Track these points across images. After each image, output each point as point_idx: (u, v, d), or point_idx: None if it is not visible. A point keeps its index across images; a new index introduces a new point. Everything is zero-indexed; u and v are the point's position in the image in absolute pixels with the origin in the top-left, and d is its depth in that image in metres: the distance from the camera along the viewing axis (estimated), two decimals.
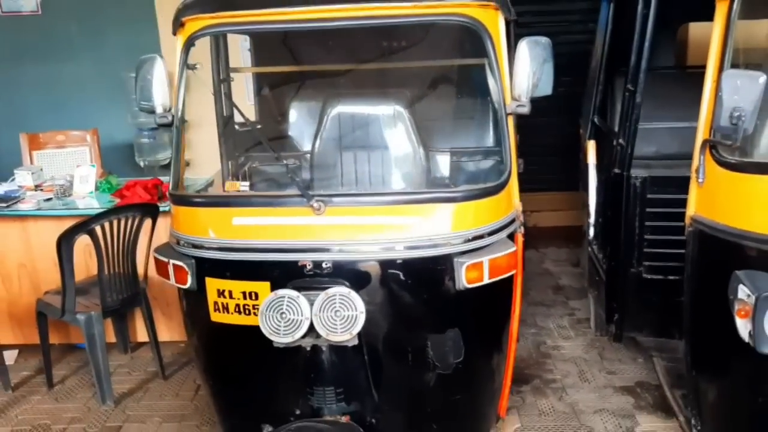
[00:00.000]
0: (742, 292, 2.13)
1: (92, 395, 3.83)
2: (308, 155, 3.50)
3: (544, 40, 2.56)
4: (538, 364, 4.01)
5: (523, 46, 2.52)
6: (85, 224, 3.49)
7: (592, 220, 3.95)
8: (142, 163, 5.77)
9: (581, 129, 4.54)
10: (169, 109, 2.74)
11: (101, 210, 3.81)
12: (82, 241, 3.51)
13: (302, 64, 3.79)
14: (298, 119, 3.89)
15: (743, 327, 2.15)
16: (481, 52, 2.65)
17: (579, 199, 5.34)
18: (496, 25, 2.61)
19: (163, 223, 3.96)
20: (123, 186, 4.28)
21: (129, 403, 3.77)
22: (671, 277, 3.28)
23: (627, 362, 3.96)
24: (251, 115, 4.01)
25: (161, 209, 3.89)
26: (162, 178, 4.41)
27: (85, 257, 3.86)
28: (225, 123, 3.39)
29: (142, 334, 4.30)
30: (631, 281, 3.39)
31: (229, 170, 3.44)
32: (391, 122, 3.35)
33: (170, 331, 4.32)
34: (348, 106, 3.38)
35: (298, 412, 2.57)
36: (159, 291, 4.16)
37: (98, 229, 3.51)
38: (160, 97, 2.71)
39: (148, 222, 3.77)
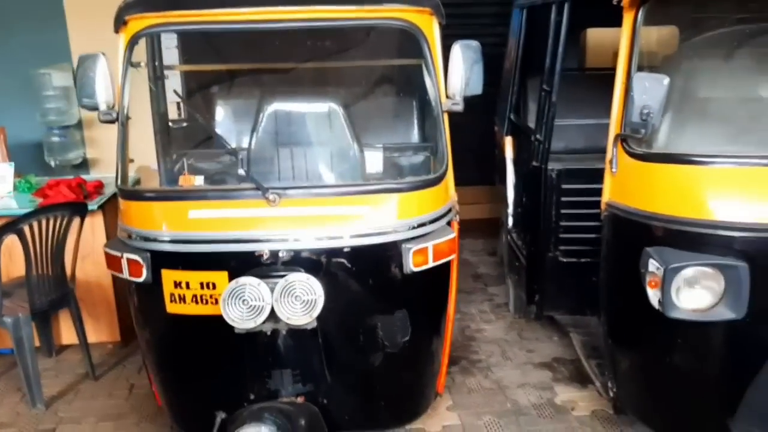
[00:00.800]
0: (652, 265, 2.49)
1: (20, 399, 3.76)
2: (244, 151, 3.61)
3: (474, 43, 2.85)
4: (464, 346, 4.30)
5: (456, 49, 2.79)
6: (13, 224, 3.44)
7: (510, 210, 4.29)
8: (52, 163, 5.63)
9: (497, 127, 4.90)
10: (113, 107, 2.80)
11: (20, 210, 3.77)
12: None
13: (230, 62, 3.89)
14: (225, 117, 3.99)
15: (654, 296, 2.51)
16: (416, 54, 2.90)
17: (493, 192, 5.72)
18: (431, 29, 2.87)
19: (89, 222, 3.96)
20: (44, 185, 4.21)
21: (60, 405, 3.74)
22: (584, 260, 3.65)
23: (544, 341, 4.34)
24: (179, 112, 4.06)
25: (90, 208, 3.88)
26: (84, 177, 4.38)
27: (4, 258, 3.78)
28: (160, 120, 3.45)
29: (66, 337, 4.25)
30: (549, 265, 3.74)
31: (165, 167, 3.50)
32: (326, 119, 3.52)
33: (97, 332, 4.29)
34: (284, 104, 3.52)
35: (252, 396, 2.71)
36: (85, 292, 4.14)
37: (27, 228, 3.47)
38: (104, 94, 2.77)
39: (75, 221, 3.75)
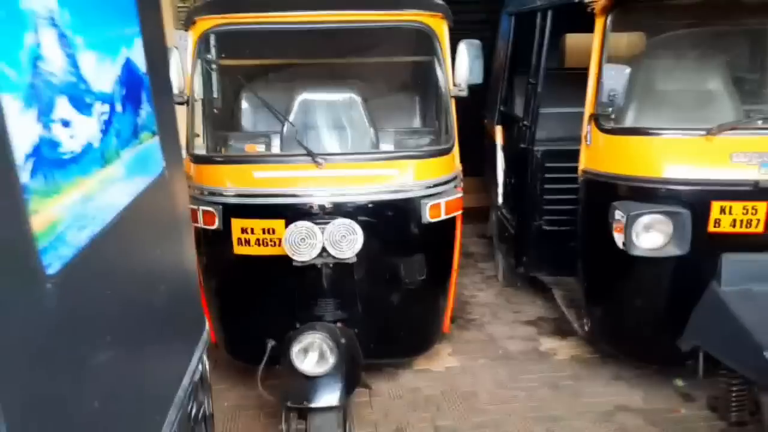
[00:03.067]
0: (618, 215, 3.29)
1: None
2: (277, 133, 4.33)
3: (476, 42, 3.64)
4: (460, 308, 5.07)
5: (462, 46, 3.58)
6: None
7: (500, 189, 5.08)
8: None
9: (487, 120, 5.69)
10: (183, 91, 3.53)
11: None
12: None
13: (262, 57, 4.61)
14: (257, 105, 4.70)
15: (619, 239, 3.30)
16: (426, 52, 3.68)
17: (480, 183, 6.51)
18: (442, 30, 3.66)
19: None
20: None
21: None
22: (563, 228, 4.44)
23: (528, 304, 5.14)
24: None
25: None
26: None
27: None
28: (209, 105, 4.16)
29: None
30: (534, 232, 4.52)
31: (209, 144, 4.19)
32: (347, 107, 4.27)
33: None
34: (311, 94, 4.26)
35: (298, 325, 3.43)
36: None
37: None
38: (176, 81, 3.49)
39: None
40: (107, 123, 1.23)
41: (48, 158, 0.99)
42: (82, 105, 1.13)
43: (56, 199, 1.01)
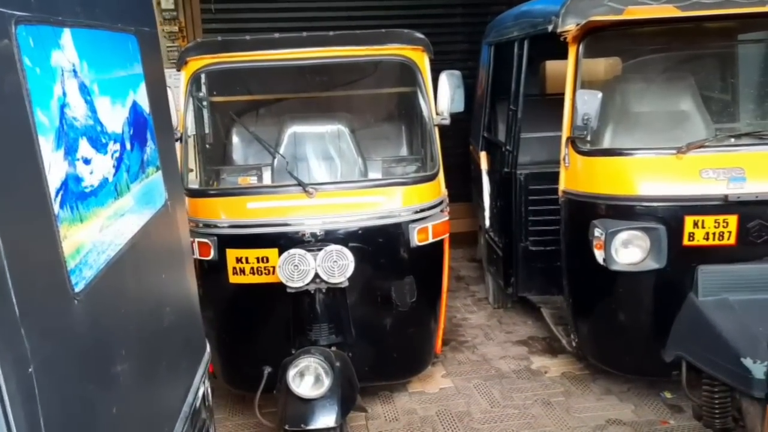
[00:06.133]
0: (597, 232, 3.46)
1: None
2: (268, 166, 4.51)
3: (457, 72, 3.85)
4: (452, 331, 5.22)
5: (444, 77, 3.79)
6: None
7: (487, 213, 5.25)
8: None
9: (472, 146, 5.90)
10: (176, 128, 3.70)
11: None
12: None
13: (252, 93, 4.82)
14: (247, 138, 4.89)
15: (599, 256, 3.47)
16: (410, 83, 3.88)
17: (469, 209, 6.70)
18: (423, 62, 3.87)
19: None
20: None
21: None
22: (549, 248, 4.61)
23: (519, 324, 5.29)
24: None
25: None
26: None
27: None
28: (202, 141, 4.34)
29: None
30: (521, 253, 4.68)
31: (202, 178, 4.36)
32: (335, 138, 4.46)
33: None
34: (300, 126, 4.45)
35: (293, 351, 3.56)
36: None
37: None
38: (171, 119, 3.66)
39: None
40: (119, 160, 1.40)
41: (74, 191, 1.15)
42: (99, 145, 1.30)
43: (80, 227, 1.17)
